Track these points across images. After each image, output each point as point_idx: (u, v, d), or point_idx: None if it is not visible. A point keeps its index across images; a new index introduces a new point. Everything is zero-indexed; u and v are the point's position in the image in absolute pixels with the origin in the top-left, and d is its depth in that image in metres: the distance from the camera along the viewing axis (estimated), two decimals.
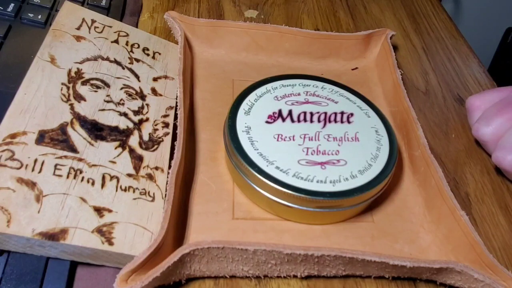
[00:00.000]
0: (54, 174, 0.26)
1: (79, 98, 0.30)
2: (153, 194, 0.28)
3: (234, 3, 0.49)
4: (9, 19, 0.37)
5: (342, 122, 0.33)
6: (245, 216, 0.30)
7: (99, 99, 0.31)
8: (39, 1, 0.39)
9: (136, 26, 0.43)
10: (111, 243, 0.24)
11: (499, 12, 1.06)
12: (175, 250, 0.24)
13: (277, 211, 0.30)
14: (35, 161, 0.26)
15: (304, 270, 0.27)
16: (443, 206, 0.30)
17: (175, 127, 0.32)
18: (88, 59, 0.33)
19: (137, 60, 0.35)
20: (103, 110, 0.30)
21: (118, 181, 0.27)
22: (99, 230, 0.24)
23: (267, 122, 0.32)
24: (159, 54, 0.37)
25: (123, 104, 0.32)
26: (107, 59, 0.34)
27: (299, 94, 0.35)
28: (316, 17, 0.49)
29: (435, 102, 0.42)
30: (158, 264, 0.24)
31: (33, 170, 0.25)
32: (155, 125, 0.32)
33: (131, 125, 0.31)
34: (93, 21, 0.35)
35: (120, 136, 0.30)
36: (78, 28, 0.34)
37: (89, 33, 0.34)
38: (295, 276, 0.28)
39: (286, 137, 0.31)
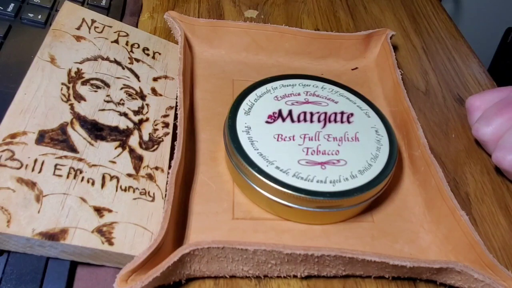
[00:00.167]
0: (54, 174, 0.26)
1: (79, 98, 0.30)
2: (153, 194, 0.28)
3: (234, 3, 0.49)
4: (9, 19, 0.37)
5: (342, 122, 0.33)
6: (245, 216, 0.30)
7: (99, 99, 0.31)
8: (39, 1, 0.39)
9: (136, 26, 0.43)
10: (111, 243, 0.24)
11: (499, 12, 1.06)
12: (175, 250, 0.24)
13: (277, 211, 0.30)
14: (35, 161, 0.26)
15: (304, 270, 0.27)
16: (443, 206, 0.30)
17: (175, 127, 0.32)
18: (88, 59, 0.33)
19: (137, 60, 0.35)
20: (103, 110, 0.30)
21: (118, 181, 0.27)
22: (99, 230, 0.24)
23: (267, 122, 0.32)
24: (159, 54, 0.37)
25: (123, 104, 0.32)
26: (107, 59, 0.34)
27: (299, 94, 0.35)
28: (316, 17, 0.49)
29: (435, 102, 0.42)
30: (158, 264, 0.24)
31: (33, 170, 0.25)
32: (155, 125, 0.32)
33: (131, 125, 0.31)
34: (93, 21, 0.35)
35: (120, 136, 0.30)
36: (78, 28, 0.34)
37: (89, 33, 0.34)
38: (295, 276, 0.28)
39: (286, 137, 0.31)
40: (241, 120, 0.31)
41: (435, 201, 0.31)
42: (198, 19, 0.40)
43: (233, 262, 0.26)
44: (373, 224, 0.31)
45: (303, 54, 0.42)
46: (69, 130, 0.28)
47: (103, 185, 0.27)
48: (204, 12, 0.46)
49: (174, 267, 0.24)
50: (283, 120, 0.32)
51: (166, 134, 0.32)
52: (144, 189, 0.28)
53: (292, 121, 0.32)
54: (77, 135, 0.28)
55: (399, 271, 0.27)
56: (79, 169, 0.27)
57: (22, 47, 0.35)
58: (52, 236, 0.23)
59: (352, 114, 0.34)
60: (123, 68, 0.34)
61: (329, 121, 0.33)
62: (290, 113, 0.33)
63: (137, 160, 0.29)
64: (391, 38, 0.43)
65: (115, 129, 0.30)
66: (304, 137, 0.31)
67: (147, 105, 0.33)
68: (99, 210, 0.25)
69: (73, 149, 0.27)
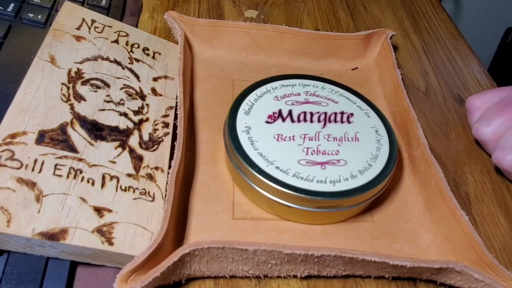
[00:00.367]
0: (54, 174, 0.26)
1: (79, 98, 0.30)
2: (153, 194, 0.28)
3: (234, 3, 0.49)
4: (9, 19, 0.37)
5: (342, 122, 0.33)
6: (245, 216, 0.30)
7: (99, 99, 0.31)
8: (39, 1, 0.39)
9: (136, 26, 0.43)
10: (111, 243, 0.24)
11: (499, 12, 1.06)
12: (175, 250, 0.24)
13: (277, 211, 0.30)
14: (35, 161, 0.26)
15: (304, 270, 0.27)
16: (443, 206, 0.30)
17: (175, 127, 0.32)
18: (88, 59, 0.33)
19: (137, 60, 0.35)
20: (103, 110, 0.30)
21: (118, 181, 0.27)
22: (99, 230, 0.24)
23: (267, 122, 0.32)
24: (159, 54, 0.37)
25: (123, 104, 0.32)
26: (107, 59, 0.34)
27: (299, 94, 0.35)
28: (316, 17, 0.49)
29: (435, 102, 0.42)
30: (158, 264, 0.24)
31: (33, 170, 0.25)
32: (155, 125, 0.32)
33: (131, 125, 0.31)
34: (93, 21, 0.35)
35: (120, 136, 0.30)
36: (78, 28, 0.34)
37: (89, 33, 0.34)
38: (295, 276, 0.28)
39: (286, 137, 0.31)
40: (241, 120, 0.31)
41: (435, 201, 0.31)
42: (198, 19, 0.40)
43: (233, 262, 0.26)
44: (373, 224, 0.31)
45: (303, 54, 0.42)
46: (69, 130, 0.28)
47: (103, 185, 0.27)
48: (204, 12, 0.46)
49: (174, 267, 0.24)
50: (283, 120, 0.32)
51: (166, 134, 0.32)
52: (144, 189, 0.28)
53: (292, 121, 0.32)
54: (77, 135, 0.28)
55: (399, 271, 0.27)
56: (79, 169, 0.27)
57: (22, 47, 0.35)
58: (52, 236, 0.23)
59: (352, 114, 0.34)
60: (123, 68, 0.34)
61: (329, 121, 0.33)
62: (290, 113, 0.33)
63: (137, 160, 0.29)
64: (391, 38, 0.43)
65: (115, 129, 0.30)
66: (304, 137, 0.31)
67: (147, 105, 0.33)
68: (99, 210, 0.25)
69: (73, 149, 0.27)
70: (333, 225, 0.31)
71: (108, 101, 0.31)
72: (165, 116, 0.33)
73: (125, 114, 0.31)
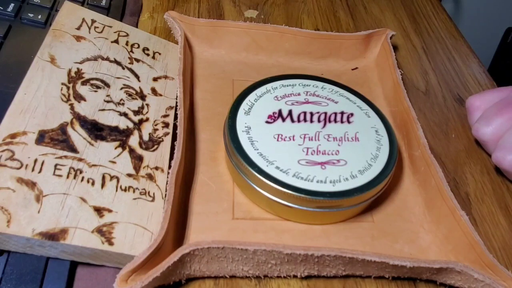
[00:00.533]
0: (54, 174, 0.26)
1: (79, 98, 0.30)
2: (153, 194, 0.28)
3: (234, 3, 0.49)
4: (9, 19, 0.37)
5: (342, 122, 0.33)
6: (245, 216, 0.30)
7: (99, 99, 0.31)
8: (39, 1, 0.39)
9: (136, 26, 0.43)
10: (111, 243, 0.24)
11: (499, 12, 1.06)
12: (175, 250, 0.24)
13: (277, 211, 0.30)
14: (35, 161, 0.26)
15: (304, 270, 0.27)
16: (443, 206, 0.30)
17: (175, 127, 0.32)
18: (88, 59, 0.33)
19: (137, 60, 0.35)
20: (103, 110, 0.30)
21: (118, 181, 0.27)
22: (99, 230, 0.24)
23: (267, 122, 0.32)
24: (159, 54, 0.37)
25: (123, 104, 0.32)
26: (107, 59, 0.34)
27: (299, 94, 0.35)
28: (316, 17, 0.49)
29: (435, 102, 0.42)
30: (158, 264, 0.24)
31: (33, 170, 0.25)
32: (155, 125, 0.32)
33: (131, 125, 0.31)
34: (93, 21, 0.35)
35: (120, 136, 0.30)
36: (78, 28, 0.34)
37: (89, 33, 0.34)
38: (295, 276, 0.28)
39: (286, 137, 0.31)
40: (241, 120, 0.31)
41: (435, 201, 0.31)
42: (198, 19, 0.40)
43: (233, 262, 0.26)
44: (373, 224, 0.31)
45: (303, 54, 0.42)
46: (69, 130, 0.28)
47: (103, 185, 0.27)
48: (204, 12, 0.46)
49: (174, 267, 0.24)
50: (283, 120, 0.32)
51: (166, 134, 0.32)
52: (144, 189, 0.28)
53: (292, 121, 0.32)
54: (77, 135, 0.28)
55: (399, 271, 0.27)
56: (79, 169, 0.27)
57: (22, 47, 0.35)
58: (52, 236, 0.23)
59: (352, 114, 0.34)
60: (123, 68, 0.34)
61: (329, 121, 0.33)
62: (290, 113, 0.33)
63: (137, 160, 0.29)
64: (391, 38, 0.43)
65: (115, 129, 0.30)
66: (304, 137, 0.31)
67: (147, 105, 0.33)
68: (99, 210, 0.25)
69: (73, 149, 0.27)
70: (333, 225, 0.31)
71: (108, 101, 0.31)
72: (165, 116, 0.33)
73: (125, 114, 0.31)
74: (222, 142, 0.34)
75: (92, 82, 0.32)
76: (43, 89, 0.29)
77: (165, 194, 0.27)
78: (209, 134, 0.34)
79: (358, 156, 0.31)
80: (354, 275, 0.28)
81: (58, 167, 0.26)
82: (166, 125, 0.32)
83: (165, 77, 0.36)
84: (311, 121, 0.33)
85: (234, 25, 0.40)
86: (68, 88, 0.30)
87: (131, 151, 0.29)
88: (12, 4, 0.37)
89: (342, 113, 0.34)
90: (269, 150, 0.30)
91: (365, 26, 0.50)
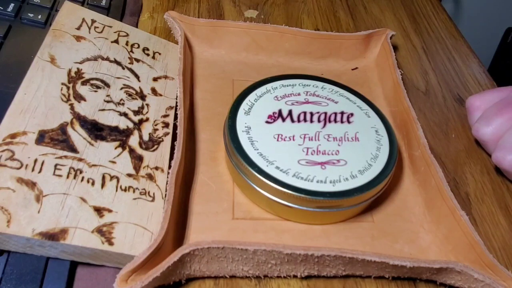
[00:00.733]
0: (54, 174, 0.26)
1: (79, 98, 0.30)
2: (153, 194, 0.28)
3: (234, 3, 0.49)
4: (9, 19, 0.37)
5: (342, 122, 0.33)
6: (245, 216, 0.30)
7: (99, 99, 0.31)
8: (39, 1, 0.39)
9: (136, 26, 0.43)
10: (111, 243, 0.24)
11: (499, 12, 1.06)
12: (175, 250, 0.24)
13: (277, 211, 0.30)
14: (35, 161, 0.26)
15: (304, 270, 0.27)
16: (443, 206, 0.30)
17: (175, 127, 0.32)
18: (88, 59, 0.33)
19: (137, 60, 0.35)
20: (103, 110, 0.30)
21: (118, 181, 0.27)
22: (99, 230, 0.24)
23: (267, 122, 0.32)
24: (159, 54, 0.37)
25: (123, 104, 0.32)
26: (107, 59, 0.34)
27: (299, 94, 0.35)
28: (316, 17, 0.49)
29: (435, 102, 0.42)
30: (158, 264, 0.24)
31: (33, 170, 0.25)
32: (155, 125, 0.32)
33: (131, 125, 0.31)
34: (93, 21, 0.35)
35: (120, 136, 0.30)
36: (78, 28, 0.34)
37: (89, 33, 0.34)
38: (295, 276, 0.28)
39: (286, 137, 0.31)
40: (241, 120, 0.31)
41: (435, 201, 0.31)
42: (198, 19, 0.40)
43: (233, 262, 0.26)
44: (373, 224, 0.31)
45: (303, 54, 0.42)
46: (69, 130, 0.28)
47: (103, 185, 0.27)
48: (204, 12, 0.46)
49: (174, 267, 0.24)
50: (283, 120, 0.32)
51: (166, 134, 0.32)
52: (144, 189, 0.28)
53: (292, 121, 0.32)
54: (77, 135, 0.28)
55: (399, 271, 0.27)
56: (79, 169, 0.27)
57: (22, 47, 0.35)
58: (52, 236, 0.23)
59: (352, 114, 0.34)
60: (123, 68, 0.34)
61: (329, 121, 0.33)
62: (290, 113, 0.33)
63: (137, 160, 0.29)
64: (391, 38, 0.43)
65: (115, 129, 0.30)
66: (304, 137, 0.31)
67: (147, 105, 0.33)
68: (99, 210, 0.25)
69: (73, 149, 0.27)
70: (333, 225, 0.31)
71: (108, 101, 0.31)
72: (165, 116, 0.33)
73: (125, 114, 0.31)
74: (222, 142, 0.34)
75: (92, 82, 0.32)
76: (43, 89, 0.29)
77: (165, 194, 0.27)
78: (209, 134, 0.34)
79: (358, 156, 0.31)
80: (354, 275, 0.28)
81: (58, 167, 0.26)
82: (166, 125, 0.32)
83: (165, 77, 0.36)
84: (311, 121, 0.33)
85: (234, 25, 0.40)
86: (68, 88, 0.30)
87: (131, 151, 0.29)
88: (12, 4, 0.37)
89: (342, 113, 0.34)
90: (269, 150, 0.30)
91: (365, 26, 0.50)
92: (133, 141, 0.30)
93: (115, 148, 0.29)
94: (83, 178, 0.26)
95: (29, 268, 0.24)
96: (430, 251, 0.30)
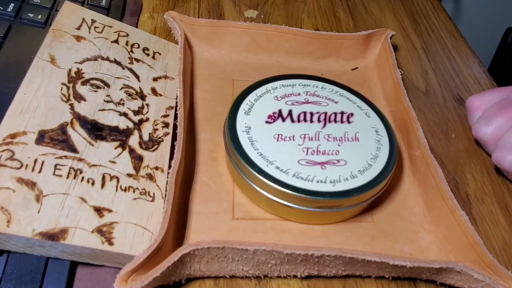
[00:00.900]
0: (54, 174, 0.26)
1: (79, 98, 0.30)
2: (153, 194, 0.28)
3: (234, 3, 0.49)
4: (9, 19, 0.37)
5: (342, 122, 0.33)
6: (245, 216, 0.30)
7: (99, 99, 0.31)
8: (39, 1, 0.39)
9: (136, 26, 0.43)
10: (111, 243, 0.24)
11: (499, 12, 1.06)
12: (175, 250, 0.24)
13: (277, 211, 0.30)
14: (35, 161, 0.26)
15: (304, 270, 0.27)
16: (443, 206, 0.30)
17: (175, 127, 0.32)
18: (88, 59, 0.33)
19: (137, 60, 0.35)
20: (103, 110, 0.30)
21: (118, 181, 0.27)
22: (99, 230, 0.24)
23: (267, 122, 0.32)
24: (159, 54, 0.37)
25: (123, 104, 0.32)
26: (107, 59, 0.34)
27: (299, 94, 0.35)
28: (316, 17, 0.49)
29: (435, 102, 0.42)
30: (158, 264, 0.24)
31: (33, 170, 0.25)
32: (155, 125, 0.32)
33: (131, 125, 0.31)
34: (93, 21, 0.35)
35: (120, 136, 0.30)
36: (78, 28, 0.34)
37: (89, 33, 0.34)
38: (295, 276, 0.28)
39: (286, 137, 0.31)
40: (241, 120, 0.31)
41: (435, 201, 0.31)
42: (198, 19, 0.40)
43: (233, 262, 0.26)
44: (373, 224, 0.31)
45: (303, 54, 0.42)
46: (69, 130, 0.28)
47: (103, 185, 0.27)
48: (204, 12, 0.46)
49: (174, 267, 0.24)
50: (283, 120, 0.32)
51: (166, 134, 0.32)
52: (144, 189, 0.28)
53: (292, 121, 0.32)
54: (77, 135, 0.28)
55: (399, 271, 0.27)
56: (79, 169, 0.27)
57: (22, 47, 0.35)
58: (52, 236, 0.23)
59: (352, 114, 0.34)
60: (123, 68, 0.34)
61: (329, 121, 0.33)
62: (290, 113, 0.33)
63: (137, 160, 0.29)
64: (391, 38, 0.43)
65: (115, 129, 0.30)
66: (304, 137, 0.31)
67: (147, 105, 0.33)
68: (99, 210, 0.25)
69: (73, 149, 0.27)
70: (333, 225, 0.31)
71: (108, 101, 0.31)
72: (165, 116, 0.33)
73: (125, 114, 0.31)
74: (222, 142, 0.34)
75: (92, 82, 0.32)
76: (43, 89, 0.29)
77: (165, 194, 0.27)
78: (209, 134, 0.34)
79: (358, 156, 0.31)
80: (354, 275, 0.28)
81: (58, 167, 0.26)
82: (166, 125, 0.32)
83: (165, 77, 0.36)
84: (311, 121, 0.33)
85: (234, 25, 0.40)
86: (68, 88, 0.30)
87: (131, 151, 0.29)
88: (12, 4, 0.37)
89: (342, 113, 0.34)
90: (269, 150, 0.30)
91: (365, 26, 0.50)
92: (133, 141, 0.30)
93: (115, 148, 0.29)
94: (83, 178, 0.26)
95: (29, 268, 0.24)
96: (430, 251, 0.30)
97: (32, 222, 0.23)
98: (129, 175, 0.28)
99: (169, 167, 0.29)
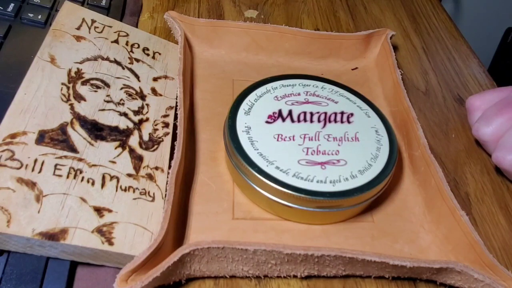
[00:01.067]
0: (54, 174, 0.26)
1: (79, 98, 0.30)
2: (153, 194, 0.28)
3: (234, 3, 0.49)
4: (9, 19, 0.37)
5: (342, 122, 0.33)
6: (245, 216, 0.30)
7: (99, 99, 0.31)
8: (39, 1, 0.39)
9: (136, 26, 0.43)
10: (111, 243, 0.24)
11: (499, 12, 1.06)
12: (175, 250, 0.24)
13: (277, 211, 0.30)
14: (35, 161, 0.26)
15: (304, 270, 0.27)
16: (443, 206, 0.30)
17: (175, 127, 0.32)
18: (88, 59, 0.33)
19: (137, 60, 0.35)
20: (103, 110, 0.30)
21: (118, 181, 0.27)
22: (99, 230, 0.24)
23: (267, 122, 0.32)
24: (159, 54, 0.37)
25: (123, 104, 0.32)
26: (107, 59, 0.34)
27: (299, 94, 0.35)
28: (316, 17, 0.49)
29: (435, 102, 0.42)
30: (158, 264, 0.24)
31: (33, 170, 0.25)
32: (155, 125, 0.32)
33: (131, 125, 0.31)
34: (93, 21, 0.35)
35: (120, 136, 0.30)
36: (78, 28, 0.34)
37: (89, 33, 0.34)
38: (295, 276, 0.28)
39: (286, 137, 0.31)
40: (241, 120, 0.31)
41: (435, 201, 0.31)
42: (198, 19, 0.40)
43: (233, 262, 0.26)
44: (373, 224, 0.31)
45: (303, 54, 0.42)
46: (69, 130, 0.28)
47: (103, 185, 0.27)
48: (204, 12, 0.46)
49: (174, 267, 0.24)
50: (283, 120, 0.32)
51: (166, 134, 0.32)
52: (144, 189, 0.28)
53: (292, 121, 0.32)
54: (77, 135, 0.28)
55: (399, 271, 0.27)
56: (79, 169, 0.27)
57: (22, 47, 0.35)
58: (52, 236, 0.23)
59: (352, 114, 0.34)
60: (123, 68, 0.34)
61: (329, 121, 0.33)
62: (290, 113, 0.33)
63: (137, 160, 0.29)
64: (391, 38, 0.43)
65: (115, 129, 0.30)
66: (304, 137, 0.31)
67: (147, 105, 0.33)
68: (99, 210, 0.25)
69: (73, 149, 0.27)
70: (333, 225, 0.31)
71: (108, 101, 0.31)
72: (165, 116, 0.33)
73: (125, 114, 0.31)
74: (222, 142, 0.34)
75: (92, 82, 0.32)
76: (43, 89, 0.29)
77: (165, 194, 0.27)
78: (209, 134, 0.34)
79: (358, 156, 0.31)
80: (354, 275, 0.28)
81: (58, 167, 0.26)
82: (166, 125, 0.32)
83: (165, 77, 0.36)
84: (311, 121, 0.33)
85: (234, 25, 0.40)
86: (68, 88, 0.30)
87: (131, 151, 0.29)
88: (12, 4, 0.37)
89: (342, 113, 0.34)
90: (269, 150, 0.30)
91: (365, 26, 0.50)
92: (133, 141, 0.30)
93: (115, 148, 0.29)
94: (83, 178, 0.26)
95: (29, 268, 0.24)
96: (430, 251, 0.30)
97: (32, 222, 0.23)
98: (129, 175, 0.28)
99: (169, 167, 0.29)
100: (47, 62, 0.31)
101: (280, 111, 0.33)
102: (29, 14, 0.37)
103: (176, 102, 0.34)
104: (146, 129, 0.31)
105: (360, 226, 0.31)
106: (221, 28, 0.40)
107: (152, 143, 0.31)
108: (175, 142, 0.30)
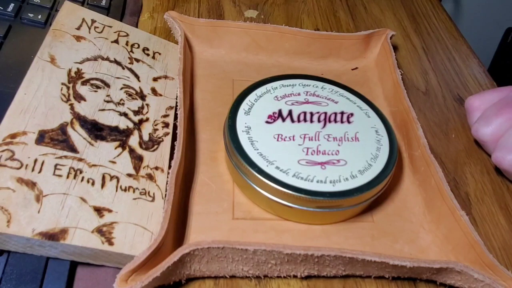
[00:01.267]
0: (54, 174, 0.26)
1: (79, 98, 0.30)
2: (153, 194, 0.28)
3: (234, 3, 0.49)
4: (9, 19, 0.37)
5: (342, 122, 0.33)
6: (245, 216, 0.30)
7: (99, 99, 0.31)
8: (39, 1, 0.39)
9: (136, 26, 0.43)
10: (111, 243, 0.24)
11: (499, 12, 1.06)
12: (175, 250, 0.24)
13: (277, 211, 0.30)
14: (35, 161, 0.26)
15: (304, 270, 0.27)
16: (443, 206, 0.30)
17: (175, 127, 0.32)
18: (88, 59, 0.33)
19: (137, 60, 0.35)
20: (103, 110, 0.30)
21: (118, 181, 0.27)
22: (99, 230, 0.25)
23: (267, 122, 0.32)
24: (159, 54, 0.37)
25: (123, 104, 0.32)
26: (107, 59, 0.34)
27: (299, 94, 0.35)
28: (316, 17, 0.49)
29: (435, 102, 0.42)
30: (158, 264, 0.24)
31: (33, 170, 0.25)
32: (155, 125, 0.32)
33: (131, 125, 0.31)
34: (93, 21, 0.35)
35: (120, 136, 0.30)
36: (78, 28, 0.34)
37: (89, 33, 0.34)
38: (295, 276, 0.28)
39: (286, 137, 0.31)
40: (241, 120, 0.31)
41: (435, 201, 0.31)
42: (198, 19, 0.40)
43: (233, 262, 0.26)
44: (373, 224, 0.31)
45: (303, 54, 0.42)
46: (69, 130, 0.28)
47: (103, 185, 0.27)
48: (204, 12, 0.46)
49: (174, 267, 0.24)
50: (283, 120, 0.32)
51: (166, 134, 0.32)
52: (144, 189, 0.28)
53: (292, 121, 0.32)
54: (77, 135, 0.28)
55: (399, 271, 0.27)
56: (79, 169, 0.27)
57: (22, 47, 0.35)
58: (52, 236, 0.23)
59: (352, 114, 0.34)
60: (123, 68, 0.34)
61: (329, 121, 0.33)
62: (290, 113, 0.33)
63: (137, 160, 0.29)
64: (391, 38, 0.43)
65: (115, 129, 0.30)
66: (304, 137, 0.31)
67: (147, 105, 0.33)
68: (99, 210, 0.25)
69: (73, 149, 0.27)
70: (333, 225, 0.31)
71: (108, 101, 0.31)
72: (165, 116, 0.33)
73: (125, 114, 0.31)
74: (222, 142, 0.34)
75: (92, 82, 0.32)
76: (43, 89, 0.29)
77: (165, 194, 0.27)
78: (209, 134, 0.34)
79: (358, 156, 0.31)
80: (354, 275, 0.28)
81: (58, 167, 0.26)
82: (166, 125, 0.32)
83: (165, 77, 0.36)
84: (311, 121, 0.33)
85: (234, 25, 0.40)
86: (68, 88, 0.30)
87: (131, 151, 0.29)
88: (12, 4, 0.37)
89: (342, 113, 0.34)
90: (269, 150, 0.30)
91: (365, 26, 0.50)
92: (133, 141, 0.30)
93: (115, 148, 0.29)
94: (83, 178, 0.26)
95: (29, 268, 0.24)
96: (430, 251, 0.30)
97: (32, 222, 0.23)
98: (129, 175, 0.28)
99: (169, 167, 0.29)
100: (47, 62, 0.31)
101: (280, 111, 0.33)
102: (29, 14, 0.37)
103: (176, 102, 0.34)
104: (146, 129, 0.31)
105: (360, 226, 0.31)
106: (221, 28, 0.40)
107: (152, 143, 0.31)
108: (175, 142, 0.30)
